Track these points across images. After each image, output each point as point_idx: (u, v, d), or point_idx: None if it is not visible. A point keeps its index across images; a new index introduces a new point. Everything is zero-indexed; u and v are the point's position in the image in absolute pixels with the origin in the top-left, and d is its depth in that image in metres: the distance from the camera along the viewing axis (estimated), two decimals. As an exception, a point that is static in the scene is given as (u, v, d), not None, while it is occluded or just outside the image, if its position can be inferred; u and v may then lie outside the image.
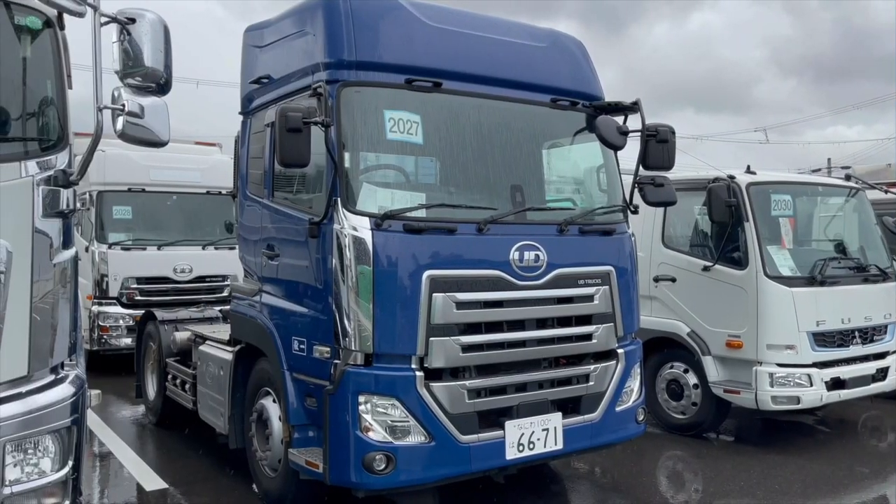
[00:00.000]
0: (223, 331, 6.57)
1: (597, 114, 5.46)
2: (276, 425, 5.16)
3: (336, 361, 4.55)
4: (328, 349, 4.63)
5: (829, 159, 27.11)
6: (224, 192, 10.81)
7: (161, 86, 3.68)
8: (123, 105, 3.49)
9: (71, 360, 3.64)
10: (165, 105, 3.67)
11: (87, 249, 10.42)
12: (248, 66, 5.79)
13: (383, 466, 4.39)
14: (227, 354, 5.97)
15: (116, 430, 7.63)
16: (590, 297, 5.17)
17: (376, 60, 4.73)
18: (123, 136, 3.54)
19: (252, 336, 5.58)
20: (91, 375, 4.04)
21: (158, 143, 3.67)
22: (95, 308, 10.45)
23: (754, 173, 7.41)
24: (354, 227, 4.49)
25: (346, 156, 4.60)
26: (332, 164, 4.55)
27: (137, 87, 3.60)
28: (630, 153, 5.54)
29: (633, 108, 5.42)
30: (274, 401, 5.26)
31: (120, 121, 3.50)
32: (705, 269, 7.27)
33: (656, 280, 7.67)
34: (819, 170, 18.43)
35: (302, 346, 4.87)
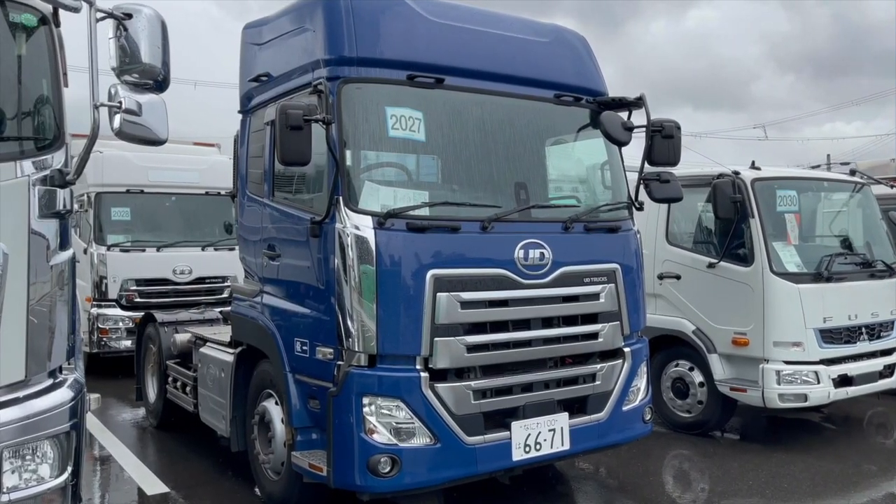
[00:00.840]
0: (224, 332, 6.52)
1: (601, 109, 5.40)
2: (279, 428, 5.09)
3: (339, 363, 4.49)
4: (331, 350, 4.57)
5: (828, 155, 27.21)
6: (223, 192, 10.73)
7: (159, 83, 3.60)
8: (120, 102, 3.42)
9: (69, 364, 3.58)
10: (163, 102, 3.60)
11: (85, 251, 10.36)
12: (247, 63, 5.73)
13: (388, 469, 4.32)
14: (228, 356, 5.91)
15: (117, 434, 7.57)
16: (595, 296, 5.11)
17: (377, 57, 4.67)
18: (121, 134, 3.47)
19: (253, 337, 5.51)
20: (90, 378, 3.99)
21: (157, 142, 3.60)
22: (95, 310, 10.39)
23: (759, 169, 7.35)
24: (357, 225, 4.42)
25: (348, 154, 4.54)
26: (333, 163, 4.48)
27: (135, 83, 3.53)
28: (634, 150, 5.49)
29: (638, 103, 5.35)
30: (276, 403, 5.19)
31: (117, 118, 3.43)
32: (710, 266, 7.20)
33: (661, 277, 7.61)
34: (818, 166, 18.38)
35: (304, 348, 4.81)
